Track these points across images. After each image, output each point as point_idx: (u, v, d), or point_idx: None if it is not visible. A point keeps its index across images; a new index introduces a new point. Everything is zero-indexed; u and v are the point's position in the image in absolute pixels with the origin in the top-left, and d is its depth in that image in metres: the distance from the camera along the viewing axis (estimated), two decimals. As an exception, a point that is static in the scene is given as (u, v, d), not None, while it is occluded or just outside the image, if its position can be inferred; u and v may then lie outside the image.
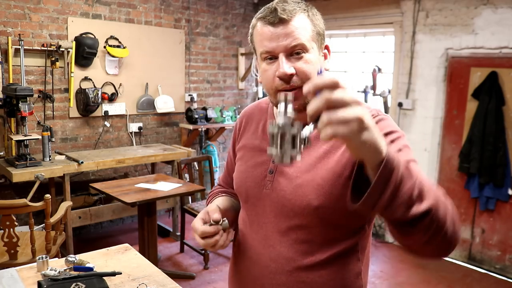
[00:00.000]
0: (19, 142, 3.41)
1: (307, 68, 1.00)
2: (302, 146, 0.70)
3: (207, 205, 1.26)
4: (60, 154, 3.77)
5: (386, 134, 0.97)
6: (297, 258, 1.07)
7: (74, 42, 3.91)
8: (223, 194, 1.34)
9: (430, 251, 0.83)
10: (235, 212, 1.26)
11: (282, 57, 0.99)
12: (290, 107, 0.71)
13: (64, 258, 1.49)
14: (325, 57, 1.09)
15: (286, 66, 0.99)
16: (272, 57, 1.01)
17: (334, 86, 0.67)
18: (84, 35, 4.03)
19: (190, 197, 3.98)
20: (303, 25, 1.00)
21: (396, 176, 0.72)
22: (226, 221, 1.07)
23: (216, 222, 1.06)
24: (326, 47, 1.09)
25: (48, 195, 2.63)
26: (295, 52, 0.99)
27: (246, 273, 1.17)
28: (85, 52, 3.96)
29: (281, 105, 0.71)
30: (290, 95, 0.71)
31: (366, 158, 0.73)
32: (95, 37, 4.07)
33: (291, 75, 0.99)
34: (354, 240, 1.08)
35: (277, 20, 0.99)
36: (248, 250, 1.16)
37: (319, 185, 1.02)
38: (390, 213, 0.75)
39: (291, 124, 0.69)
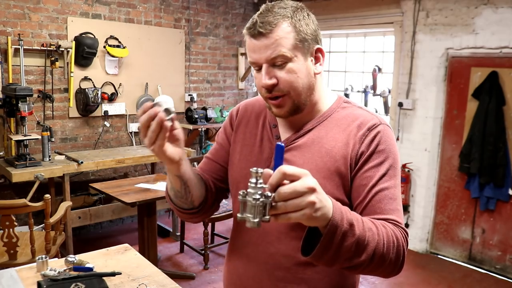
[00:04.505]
0: (18, 142, 3.41)
1: (288, 78, 1.02)
2: (268, 211, 0.79)
3: (166, 188, 1.25)
4: (60, 154, 3.77)
5: (378, 152, 1.04)
6: (295, 254, 1.08)
7: (73, 42, 3.91)
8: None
9: (373, 275, 1.00)
10: (196, 178, 1.17)
11: (264, 68, 1.02)
12: (260, 179, 0.78)
13: (63, 258, 1.49)
14: (317, 60, 1.08)
15: (266, 78, 1.02)
16: (258, 67, 1.04)
17: (284, 176, 0.77)
18: (83, 35, 4.03)
19: (190, 197, 3.97)
20: (283, 35, 1.00)
21: (338, 237, 0.85)
22: (170, 112, 0.91)
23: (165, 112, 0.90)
24: (319, 50, 1.07)
25: (47, 195, 2.63)
26: (276, 62, 1.01)
27: (243, 270, 1.18)
28: (85, 52, 3.96)
29: (252, 179, 0.78)
30: (260, 169, 0.78)
31: (316, 225, 0.85)
32: (94, 37, 4.07)
33: (272, 85, 1.02)
34: None
35: (257, 33, 1.00)
36: (246, 246, 1.17)
37: (320, 185, 1.02)
38: (332, 264, 0.90)
39: (262, 195, 0.77)
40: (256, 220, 0.77)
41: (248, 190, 0.78)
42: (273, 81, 1.02)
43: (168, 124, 0.91)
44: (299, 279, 1.10)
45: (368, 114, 1.09)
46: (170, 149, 0.97)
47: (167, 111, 0.89)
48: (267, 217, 0.78)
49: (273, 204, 0.78)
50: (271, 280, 1.11)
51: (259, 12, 1.03)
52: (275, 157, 0.83)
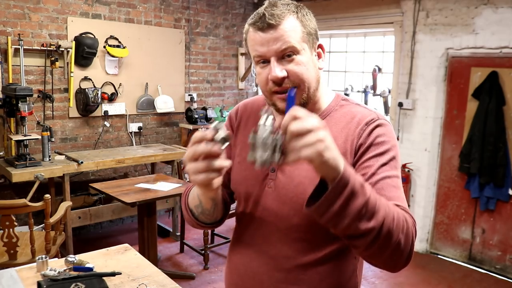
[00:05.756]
0: (18, 142, 3.41)
1: (299, 69, 1.02)
2: (280, 154, 0.80)
3: (185, 198, 1.20)
4: (60, 154, 3.77)
5: (377, 144, 1.03)
6: (296, 256, 1.09)
7: (73, 42, 3.91)
8: None
9: (376, 263, 0.94)
10: (221, 200, 1.18)
11: (273, 61, 1.01)
12: (270, 118, 0.80)
13: (63, 258, 1.49)
14: (319, 56, 1.09)
15: (277, 70, 1.00)
16: (264, 60, 1.03)
17: (295, 118, 0.78)
18: (83, 35, 4.02)
19: (190, 197, 3.97)
20: (292, 27, 1.01)
21: (348, 191, 0.82)
22: (227, 139, 0.86)
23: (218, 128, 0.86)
24: (320, 46, 1.09)
25: (47, 195, 2.63)
26: (286, 54, 1.01)
27: (244, 270, 1.18)
28: (85, 52, 3.96)
29: (263, 117, 0.80)
30: (270, 109, 0.81)
31: (326, 174, 0.82)
32: (94, 37, 4.07)
33: (283, 78, 1.01)
34: None
35: (266, 25, 1.00)
36: (247, 247, 1.17)
37: None
38: (338, 223, 0.84)
39: (271, 133, 0.78)
40: (266, 158, 0.78)
41: (258, 130, 0.79)
42: (284, 73, 1.01)
43: (223, 160, 0.87)
44: (300, 280, 1.09)
45: (366, 111, 1.09)
46: (215, 175, 0.90)
47: (224, 139, 0.85)
48: (277, 155, 0.78)
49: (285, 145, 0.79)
50: (272, 281, 1.11)
51: (264, 6, 1.03)
52: (287, 102, 0.86)
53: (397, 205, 0.95)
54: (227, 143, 0.85)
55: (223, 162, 0.88)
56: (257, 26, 1.01)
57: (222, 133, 0.85)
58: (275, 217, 1.10)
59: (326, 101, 1.13)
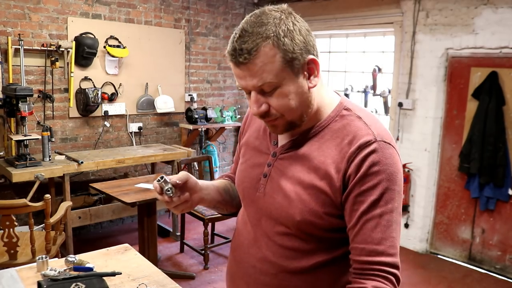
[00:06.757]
0: (19, 142, 3.41)
1: (280, 102, 0.97)
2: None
3: None
4: (60, 154, 3.77)
5: (370, 175, 0.97)
6: (282, 262, 1.07)
7: (74, 42, 3.91)
8: (225, 178, 1.36)
9: None
10: (221, 194, 1.26)
11: (253, 95, 0.98)
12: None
13: (64, 258, 1.49)
14: (311, 72, 0.99)
15: (255, 106, 0.99)
16: (247, 91, 1.01)
17: None
18: (84, 35, 4.03)
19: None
20: (268, 59, 0.92)
21: None
22: (170, 190, 1.08)
23: (162, 182, 1.09)
24: (312, 61, 0.97)
25: (48, 195, 2.63)
26: (264, 89, 0.96)
27: (236, 269, 1.19)
28: (85, 52, 3.96)
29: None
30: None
31: None
32: (95, 37, 4.07)
33: (264, 112, 0.99)
34: (343, 249, 1.05)
35: (238, 62, 0.93)
36: (240, 247, 1.18)
37: (304, 200, 1.02)
38: None
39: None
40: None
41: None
42: (264, 108, 0.98)
43: (175, 199, 1.09)
44: (285, 286, 1.08)
45: (364, 128, 1.00)
46: (183, 206, 1.12)
47: (170, 189, 1.08)
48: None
49: None
50: (257, 284, 1.11)
51: (237, 35, 0.93)
52: None
53: (379, 251, 0.95)
54: (171, 193, 1.07)
55: (177, 201, 1.09)
56: (232, 60, 0.95)
57: (166, 185, 1.07)
58: (263, 222, 1.11)
59: (327, 109, 1.07)
